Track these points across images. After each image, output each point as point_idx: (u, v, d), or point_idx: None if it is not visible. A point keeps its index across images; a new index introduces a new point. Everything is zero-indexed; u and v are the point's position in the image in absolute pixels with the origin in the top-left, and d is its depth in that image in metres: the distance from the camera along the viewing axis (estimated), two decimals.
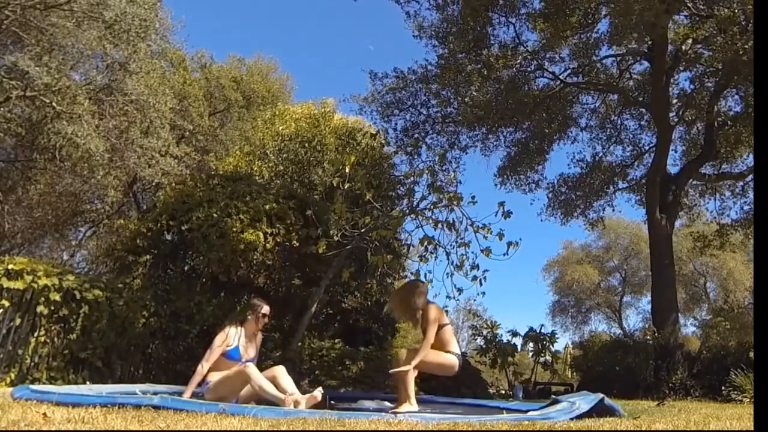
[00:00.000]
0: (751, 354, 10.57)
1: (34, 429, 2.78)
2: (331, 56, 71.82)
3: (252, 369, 4.78)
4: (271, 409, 3.96)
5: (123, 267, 9.78)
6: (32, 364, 7.60)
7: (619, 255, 33.25)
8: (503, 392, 14.52)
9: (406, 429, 3.26)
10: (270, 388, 4.70)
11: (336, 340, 11.07)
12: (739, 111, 15.15)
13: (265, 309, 5.45)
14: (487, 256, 7.56)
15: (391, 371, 5.42)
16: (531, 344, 14.54)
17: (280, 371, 4.97)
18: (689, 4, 12.77)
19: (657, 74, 14.21)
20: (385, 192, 12.99)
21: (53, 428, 2.86)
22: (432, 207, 8.18)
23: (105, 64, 12.11)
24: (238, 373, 4.84)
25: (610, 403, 4.64)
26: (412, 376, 5.17)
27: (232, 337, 5.21)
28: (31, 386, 5.03)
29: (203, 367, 5.02)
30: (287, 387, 4.81)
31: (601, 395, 4.51)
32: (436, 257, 8.10)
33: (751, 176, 16.05)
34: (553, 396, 5.61)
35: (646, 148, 18.19)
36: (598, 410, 4.35)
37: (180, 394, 5.04)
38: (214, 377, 5.02)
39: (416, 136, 16.84)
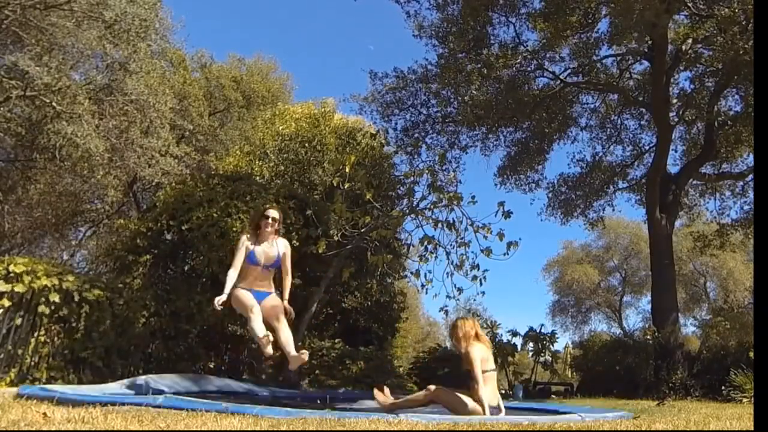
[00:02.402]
0: (751, 354, 10.57)
1: (34, 429, 2.78)
2: (331, 56, 71.94)
3: (254, 309, 5.16)
4: (272, 408, 3.96)
5: (123, 267, 9.78)
6: (32, 363, 7.60)
7: (619, 255, 33.24)
8: (503, 392, 14.53)
9: (406, 429, 3.26)
10: (257, 329, 5.04)
11: (336, 340, 11.08)
12: (739, 111, 15.14)
13: (270, 212, 5.51)
14: (487, 255, 7.58)
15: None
16: (531, 344, 14.55)
17: (282, 327, 5.23)
18: (689, 4, 12.77)
19: (657, 74, 14.21)
20: (385, 192, 12.98)
21: (53, 428, 2.86)
22: (432, 207, 8.20)
23: (105, 63, 12.10)
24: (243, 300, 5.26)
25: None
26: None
27: (247, 242, 5.38)
28: (39, 386, 5.06)
29: (229, 273, 5.30)
30: (284, 342, 5.14)
31: None
32: (436, 257, 8.13)
33: (751, 176, 16.06)
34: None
35: (646, 147, 18.20)
36: None
37: (181, 393, 5.07)
38: (239, 289, 5.33)
39: (416, 135, 16.84)
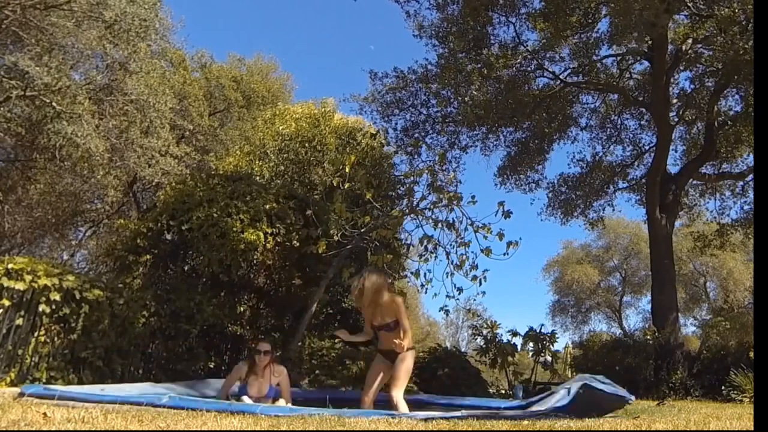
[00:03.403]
0: (751, 354, 10.58)
1: (34, 429, 2.78)
2: (331, 56, 71.99)
3: None
4: (272, 407, 3.96)
5: (123, 267, 9.76)
6: (32, 363, 7.59)
7: (619, 255, 33.25)
8: (503, 392, 14.51)
9: (406, 429, 3.26)
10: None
11: (336, 340, 11.06)
12: (739, 111, 15.15)
13: (260, 347, 5.77)
14: (487, 255, 7.55)
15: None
16: (531, 344, 14.50)
17: None
18: (689, 4, 12.77)
19: (657, 74, 14.21)
20: (385, 192, 12.98)
21: (53, 428, 2.86)
22: (432, 207, 8.18)
23: (105, 63, 12.13)
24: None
25: (611, 390, 4.60)
26: None
27: (242, 373, 5.69)
28: (43, 385, 5.07)
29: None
30: None
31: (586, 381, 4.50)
32: (436, 257, 8.10)
33: (751, 176, 16.06)
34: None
35: (646, 147, 18.21)
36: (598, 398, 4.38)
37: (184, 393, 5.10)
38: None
39: (416, 135, 16.84)
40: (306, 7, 66.11)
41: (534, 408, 4.37)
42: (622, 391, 4.65)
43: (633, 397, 4.86)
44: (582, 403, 4.24)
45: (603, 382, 4.58)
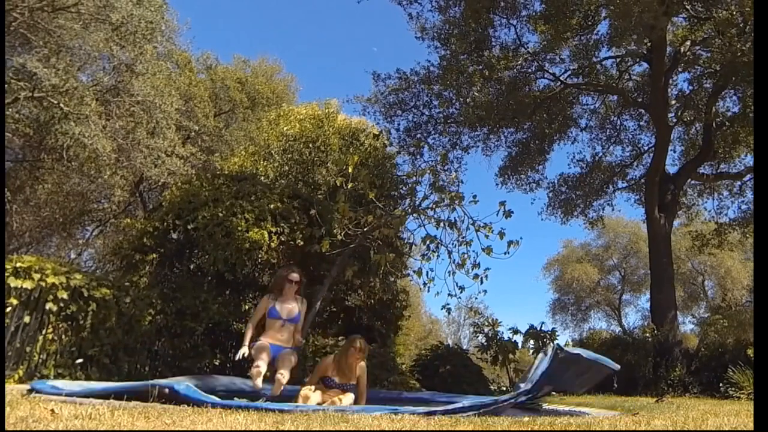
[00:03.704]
0: (749, 351, 10.70)
1: (41, 425, 2.82)
2: (334, 57, 71.99)
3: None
4: (278, 404, 4.06)
5: (130, 265, 9.85)
6: (40, 361, 7.71)
7: (618, 253, 33.32)
8: (504, 389, 14.63)
9: (408, 426, 3.36)
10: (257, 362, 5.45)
11: (339, 338, 11.18)
12: (736, 112, 15.27)
13: (292, 276, 6.09)
14: (488, 254, 7.64)
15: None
16: (532, 341, 14.64)
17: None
18: (688, 6, 12.88)
19: (656, 75, 14.32)
20: (388, 191, 13.07)
21: (61, 425, 2.87)
22: (434, 206, 8.26)
23: (112, 65, 12.23)
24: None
25: (590, 356, 4.72)
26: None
27: (269, 302, 5.99)
28: (49, 382, 5.20)
29: (246, 326, 6.07)
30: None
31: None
32: (438, 256, 8.18)
33: (749, 176, 16.18)
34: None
35: (646, 148, 18.33)
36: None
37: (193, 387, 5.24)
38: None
39: (418, 136, 16.96)
40: (310, 8, 66.19)
41: (522, 388, 4.51)
42: (603, 360, 4.78)
43: (617, 366, 4.99)
44: (564, 371, 4.33)
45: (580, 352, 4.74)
